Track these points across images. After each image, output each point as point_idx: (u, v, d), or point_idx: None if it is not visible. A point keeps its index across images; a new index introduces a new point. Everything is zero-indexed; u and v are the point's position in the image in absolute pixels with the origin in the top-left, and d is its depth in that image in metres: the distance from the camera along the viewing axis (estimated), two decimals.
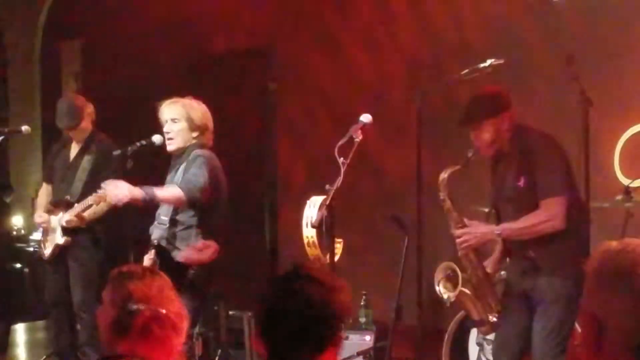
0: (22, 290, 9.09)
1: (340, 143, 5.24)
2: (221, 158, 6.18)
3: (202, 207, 5.96)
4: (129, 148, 6.11)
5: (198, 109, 6.12)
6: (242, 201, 8.34)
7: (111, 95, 9.93)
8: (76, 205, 6.94)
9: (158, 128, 6.10)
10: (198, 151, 6.03)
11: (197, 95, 6.24)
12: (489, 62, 5.62)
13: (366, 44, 8.75)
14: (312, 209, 5.39)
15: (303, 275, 2.86)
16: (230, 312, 7.82)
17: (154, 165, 6.23)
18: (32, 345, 9.06)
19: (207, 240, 5.98)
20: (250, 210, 9.45)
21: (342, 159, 5.17)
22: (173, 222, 6.01)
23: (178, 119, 6.05)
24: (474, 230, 5.44)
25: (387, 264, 7.49)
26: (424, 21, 8.34)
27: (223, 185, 6.10)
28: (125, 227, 6.78)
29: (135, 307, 3.13)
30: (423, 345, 6.13)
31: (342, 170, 5.14)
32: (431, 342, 6.45)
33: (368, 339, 7.16)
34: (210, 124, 6.16)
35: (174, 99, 6.12)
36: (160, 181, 6.12)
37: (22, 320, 9.25)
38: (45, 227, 7.25)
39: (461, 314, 6.57)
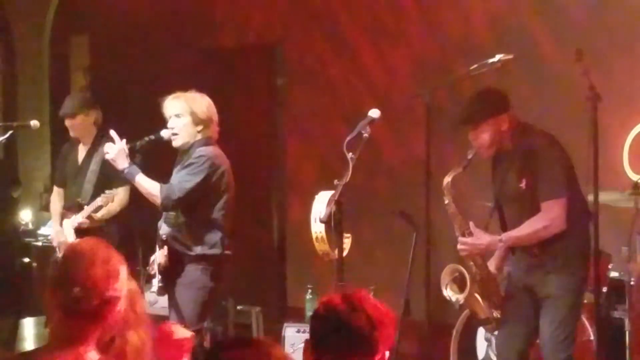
0: (30, 285, 9.09)
1: (348, 138, 5.23)
2: (229, 153, 6.17)
3: (196, 205, 5.96)
4: (138, 143, 6.10)
5: (201, 103, 6.06)
6: (250, 196, 8.35)
7: (120, 90, 9.94)
8: (86, 207, 6.93)
9: (166, 122, 6.09)
10: (202, 150, 5.99)
11: (205, 90, 6.22)
12: (497, 57, 5.61)
13: (374, 39, 8.74)
14: (321, 204, 5.36)
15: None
16: (239, 307, 7.84)
17: (162, 160, 6.22)
18: (40, 339, 9.06)
19: (211, 233, 5.98)
20: (259, 206, 9.46)
21: (350, 154, 5.16)
22: (180, 217, 6.02)
23: (181, 114, 6.00)
24: (478, 242, 5.46)
25: (396, 259, 7.49)
26: (432, 17, 8.33)
27: (229, 183, 6.08)
28: (133, 222, 6.80)
29: None
30: (431, 340, 6.13)
31: (351, 165, 5.13)
32: (439, 338, 6.45)
33: None
34: (215, 117, 6.10)
35: (177, 94, 6.06)
36: (168, 176, 6.13)
37: (31, 315, 9.25)
38: (58, 244, 7.23)
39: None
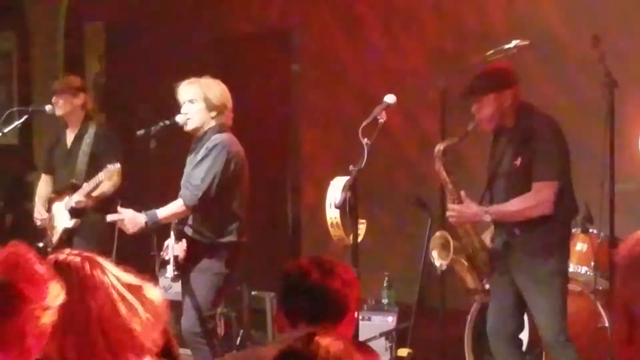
0: None
1: (364, 124, 5.22)
2: (244, 139, 6.17)
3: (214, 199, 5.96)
4: (152, 128, 6.11)
5: (216, 89, 6.05)
6: (265, 182, 8.34)
7: (135, 76, 9.94)
8: (85, 185, 6.92)
9: (181, 108, 6.09)
10: (217, 137, 5.98)
11: (220, 76, 6.21)
12: (513, 43, 5.61)
13: (390, 25, 8.71)
14: (336, 189, 5.35)
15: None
16: (253, 293, 7.84)
17: (177, 145, 6.22)
18: None
19: (227, 221, 5.98)
20: (274, 192, 9.45)
21: (366, 139, 5.15)
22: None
23: (195, 100, 5.99)
24: (465, 209, 5.53)
25: (411, 245, 7.48)
26: (448, 3, 8.31)
27: (243, 170, 6.08)
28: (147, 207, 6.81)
29: None
30: (445, 327, 6.14)
31: (366, 151, 5.13)
32: (454, 324, 6.44)
33: (390, 320, 7.14)
34: (229, 103, 6.08)
35: (191, 80, 6.05)
36: (182, 162, 6.13)
37: None
38: (44, 224, 7.27)
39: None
